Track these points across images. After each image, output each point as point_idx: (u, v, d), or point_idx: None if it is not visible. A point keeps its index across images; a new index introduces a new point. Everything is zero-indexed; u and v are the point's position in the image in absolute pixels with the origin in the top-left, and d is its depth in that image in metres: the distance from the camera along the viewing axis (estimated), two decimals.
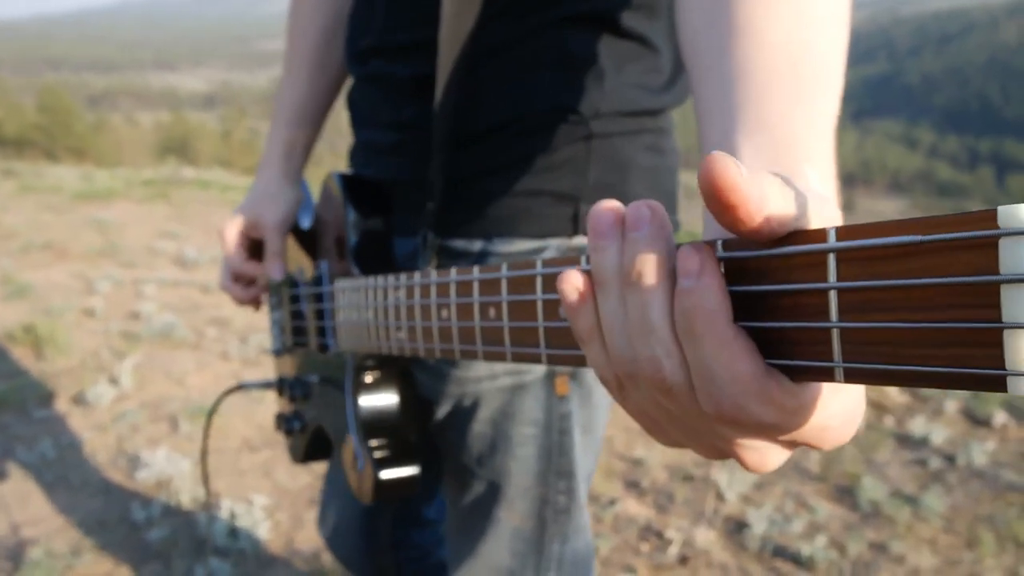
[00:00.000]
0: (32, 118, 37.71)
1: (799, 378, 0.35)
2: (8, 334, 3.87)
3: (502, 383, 0.91)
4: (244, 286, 1.11)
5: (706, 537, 2.42)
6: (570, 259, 0.46)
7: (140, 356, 3.79)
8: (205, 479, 1.22)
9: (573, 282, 0.41)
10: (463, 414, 0.93)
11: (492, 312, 0.54)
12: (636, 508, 2.62)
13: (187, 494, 2.55)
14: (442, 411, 0.95)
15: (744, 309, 0.36)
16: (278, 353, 1.17)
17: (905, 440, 3.14)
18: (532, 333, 0.50)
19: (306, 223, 1.09)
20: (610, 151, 0.87)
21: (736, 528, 2.48)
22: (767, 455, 0.40)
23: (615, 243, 0.38)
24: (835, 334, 0.32)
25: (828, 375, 0.33)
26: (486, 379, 0.91)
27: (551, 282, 0.47)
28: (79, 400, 3.26)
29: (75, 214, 7.38)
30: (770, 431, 0.37)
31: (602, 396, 0.96)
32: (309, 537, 2.36)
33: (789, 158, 0.46)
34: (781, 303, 0.35)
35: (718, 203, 0.33)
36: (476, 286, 0.55)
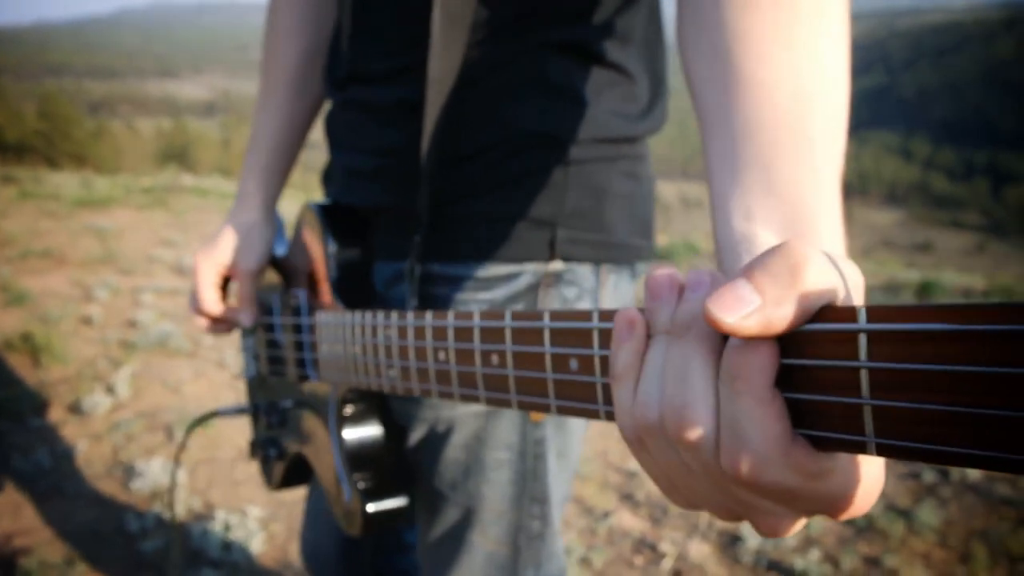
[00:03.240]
0: (32, 124, 37.76)
1: (826, 448, 0.36)
2: (6, 342, 3.87)
3: (476, 408, 0.91)
4: (212, 321, 1.10)
5: (700, 550, 2.43)
6: (578, 313, 0.47)
7: (137, 365, 3.79)
8: (171, 502, 1.20)
9: (629, 316, 0.42)
10: (437, 439, 0.93)
11: (495, 359, 0.53)
12: (630, 521, 2.62)
13: (182, 505, 2.55)
14: (416, 436, 0.95)
15: (777, 379, 0.37)
16: (251, 379, 1.16)
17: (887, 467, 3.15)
18: (540, 384, 0.50)
19: (280, 250, 1.08)
20: (587, 177, 0.88)
21: (730, 542, 2.49)
22: (782, 521, 0.40)
23: (668, 306, 0.40)
24: (867, 410, 0.33)
25: (860, 448, 0.34)
26: (460, 404, 0.91)
27: (560, 336, 0.48)
28: (75, 409, 3.26)
29: (74, 221, 7.38)
30: (788, 495, 0.37)
31: (577, 422, 0.97)
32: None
33: (800, 219, 0.47)
34: (812, 376, 0.35)
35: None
36: (477, 332, 0.55)
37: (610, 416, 0.46)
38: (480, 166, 0.87)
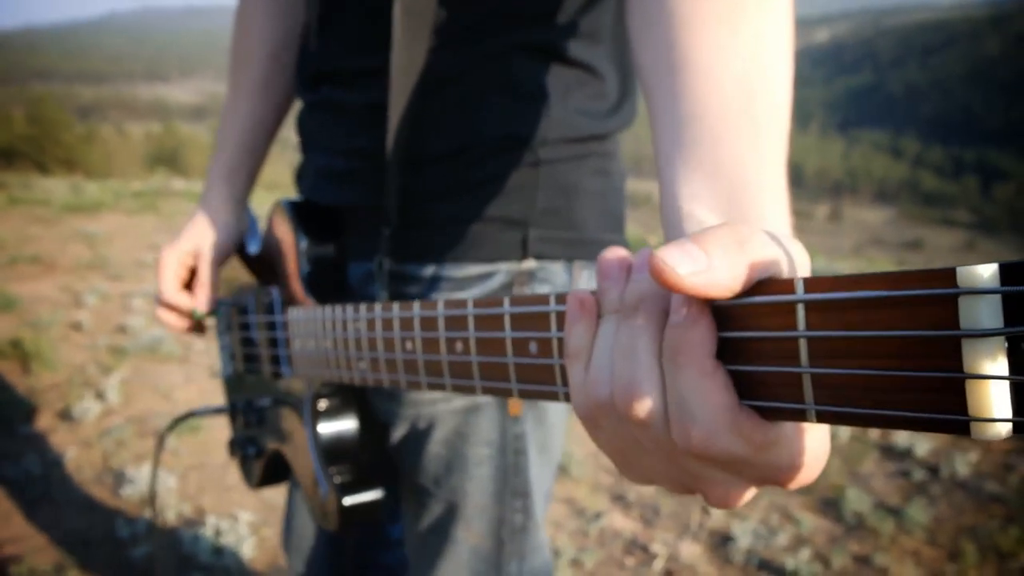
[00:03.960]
0: (21, 129, 37.57)
1: (771, 417, 0.37)
2: None
3: (456, 404, 0.92)
4: (178, 315, 1.09)
5: (691, 551, 2.44)
6: (537, 297, 0.48)
7: (127, 371, 3.77)
8: (152, 500, 1.19)
9: (580, 296, 0.43)
10: (419, 436, 0.94)
11: (460, 347, 0.55)
12: (622, 522, 2.63)
13: (172, 511, 2.54)
14: (398, 433, 0.96)
15: (720, 352, 0.38)
16: (228, 378, 1.16)
17: (889, 452, 3.16)
18: (502, 368, 0.51)
19: (253, 248, 1.08)
20: (557, 176, 0.89)
21: (721, 542, 2.50)
22: (732, 491, 0.41)
23: (618, 285, 0.42)
24: (806, 378, 0.34)
25: (800, 416, 0.35)
26: (440, 401, 0.92)
27: (520, 320, 0.49)
28: (65, 415, 3.25)
29: (63, 226, 7.35)
30: (738, 465, 0.38)
31: (557, 416, 0.98)
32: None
33: (747, 200, 0.48)
34: (754, 347, 0.36)
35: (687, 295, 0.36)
36: (441, 321, 0.56)
37: (569, 398, 0.47)
38: (450, 168, 0.88)
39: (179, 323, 1.09)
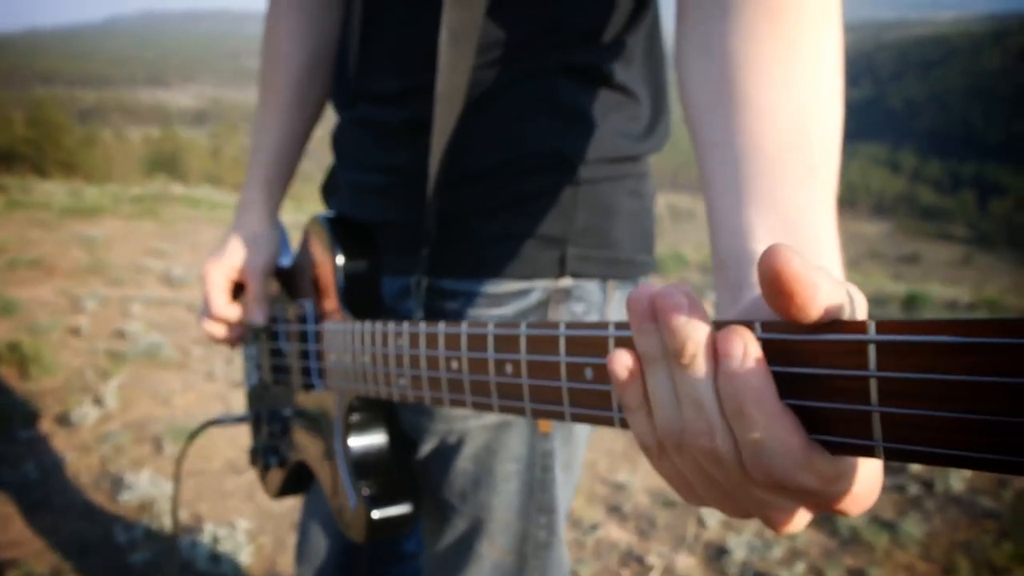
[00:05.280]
0: (21, 132, 37.56)
1: (837, 452, 0.38)
2: None
3: (488, 420, 0.93)
4: (225, 326, 1.10)
5: (687, 563, 2.44)
6: (595, 324, 0.48)
7: (125, 376, 3.78)
8: (174, 512, 1.20)
9: (623, 362, 0.42)
10: (448, 451, 0.95)
11: (509, 368, 0.54)
12: (618, 533, 2.64)
13: (170, 517, 2.55)
14: (426, 448, 0.96)
15: (789, 386, 0.39)
16: (253, 387, 1.17)
17: (884, 466, 3.17)
18: (555, 392, 0.51)
19: (284, 261, 1.10)
20: (596, 196, 0.90)
21: (716, 554, 2.51)
22: (796, 517, 0.43)
23: (654, 330, 0.41)
24: (875, 416, 0.35)
25: (868, 452, 0.36)
26: (472, 416, 0.93)
27: (576, 345, 0.49)
28: (63, 420, 3.25)
29: (63, 230, 7.36)
30: (808, 497, 0.40)
31: (582, 435, 0.99)
32: (292, 561, 2.37)
33: (802, 239, 0.49)
34: (824, 384, 0.37)
35: (778, 290, 0.36)
36: (491, 341, 0.56)
37: (624, 424, 0.47)
38: (491, 186, 0.89)
39: (228, 335, 1.10)
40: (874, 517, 2.77)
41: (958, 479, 3.00)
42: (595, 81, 0.89)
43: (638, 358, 0.42)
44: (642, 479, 3.00)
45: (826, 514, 0.42)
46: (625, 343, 0.46)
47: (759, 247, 0.49)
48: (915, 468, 3.11)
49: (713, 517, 2.69)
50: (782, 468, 0.38)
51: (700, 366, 0.39)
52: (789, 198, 0.51)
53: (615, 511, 2.78)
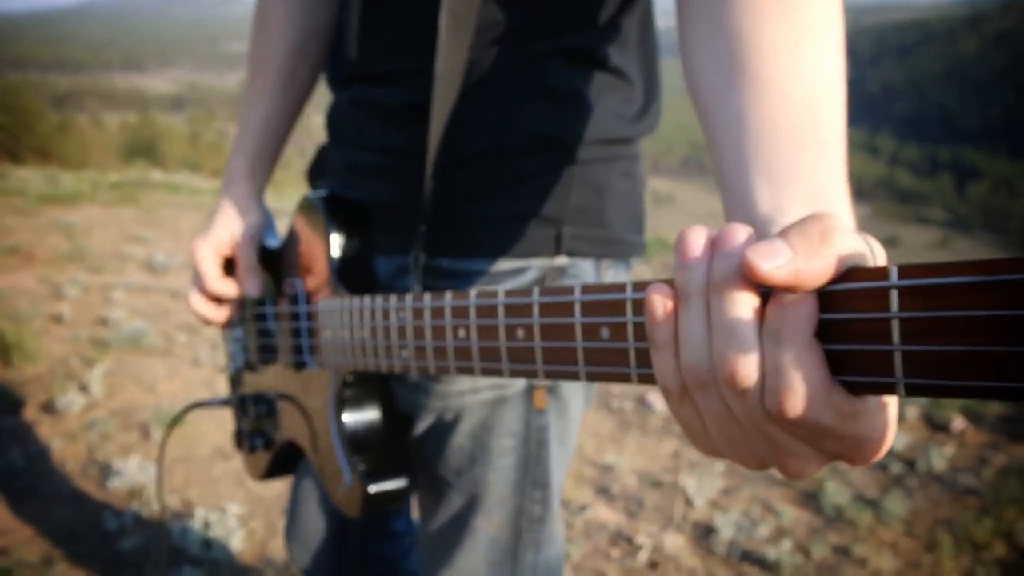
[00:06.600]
0: None
1: (857, 392, 0.40)
2: None
3: (484, 396, 0.94)
4: (217, 305, 1.09)
5: (675, 542, 2.48)
6: (612, 286, 0.50)
7: (110, 363, 3.75)
8: (161, 496, 1.19)
9: (662, 298, 0.45)
10: (444, 427, 0.96)
11: (521, 333, 0.56)
12: (607, 514, 2.66)
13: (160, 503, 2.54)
14: (423, 425, 0.97)
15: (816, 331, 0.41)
16: (239, 370, 1.16)
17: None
18: (569, 353, 0.53)
19: (271, 242, 1.09)
20: (590, 177, 0.92)
21: (704, 533, 2.54)
22: (808, 463, 0.44)
23: (703, 263, 0.43)
24: (897, 355, 0.37)
25: (890, 389, 0.38)
26: (469, 393, 0.94)
27: (592, 307, 0.51)
28: (48, 408, 3.23)
29: (41, 217, 7.26)
30: (823, 437, 0.41)
31: (576, 410, 1.00)
32: (283, 545, 2.37)
33: (823, 206, 0.51)
34: (849, 328, 0.39)
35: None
36: (501, 309, 0.57)
37: (642, 378, 0.49)
38: (487, 166, 0.90)
39: (220, 314, 1.08)
40: (858, 495, 2.81)
41: (939, 458, 3.05)
42: (590, 64, 0.90)
43: (675, 295, 0.44)
44: (629, 460, 3.03)
45: (833, 463, 0.43)
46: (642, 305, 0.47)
47: (783, 218, 0.51)
48: (898, 448, 3.17)
49: (700, 497, 2.72)
50: (801, 398, 0.40)
51: (743, 292, 0.41)
52: (809, 171, 0.53)
53: (603, 492, 2.81)
